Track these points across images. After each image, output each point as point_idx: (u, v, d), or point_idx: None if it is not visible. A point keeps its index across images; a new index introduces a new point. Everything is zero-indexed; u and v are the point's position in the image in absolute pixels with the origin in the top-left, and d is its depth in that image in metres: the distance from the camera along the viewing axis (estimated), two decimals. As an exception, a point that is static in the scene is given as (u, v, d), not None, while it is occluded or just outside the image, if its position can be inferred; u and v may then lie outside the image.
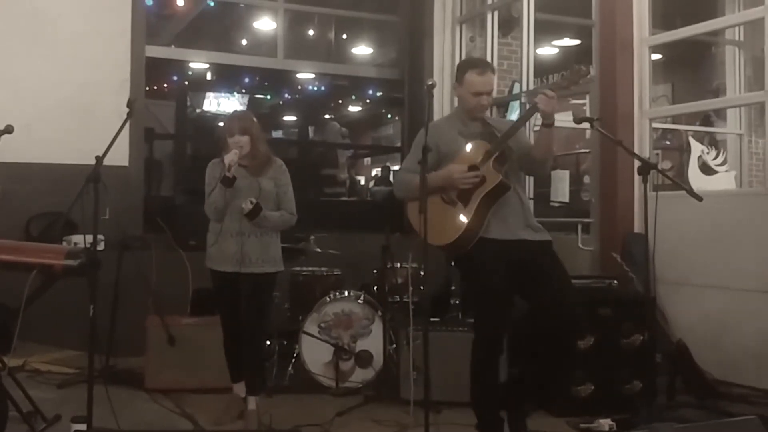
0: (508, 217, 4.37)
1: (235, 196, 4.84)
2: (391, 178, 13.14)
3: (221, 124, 5.13)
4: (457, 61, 8.87)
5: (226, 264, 4.90)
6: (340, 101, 13.69)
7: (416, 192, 4.05)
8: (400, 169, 4.91)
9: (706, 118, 9.42)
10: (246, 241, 4.88)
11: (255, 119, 5.12)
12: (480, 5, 8.94)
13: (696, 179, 7.61)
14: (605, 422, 4.75)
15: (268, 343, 5.98)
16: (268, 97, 13.02)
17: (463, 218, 4.30)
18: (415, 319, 5.61)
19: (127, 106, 4.44)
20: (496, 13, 8.56)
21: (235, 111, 7.25)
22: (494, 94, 4.69)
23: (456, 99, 7.09)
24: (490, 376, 4.37)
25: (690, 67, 10.31)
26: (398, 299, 6.12)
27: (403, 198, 4.54)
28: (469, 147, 4.43)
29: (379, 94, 12.23)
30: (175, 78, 10.96)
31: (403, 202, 4.53)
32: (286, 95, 12.94)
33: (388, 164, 14.30)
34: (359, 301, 6.01)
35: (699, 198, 4.48)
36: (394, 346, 5.94)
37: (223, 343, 5.14)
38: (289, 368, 5.96)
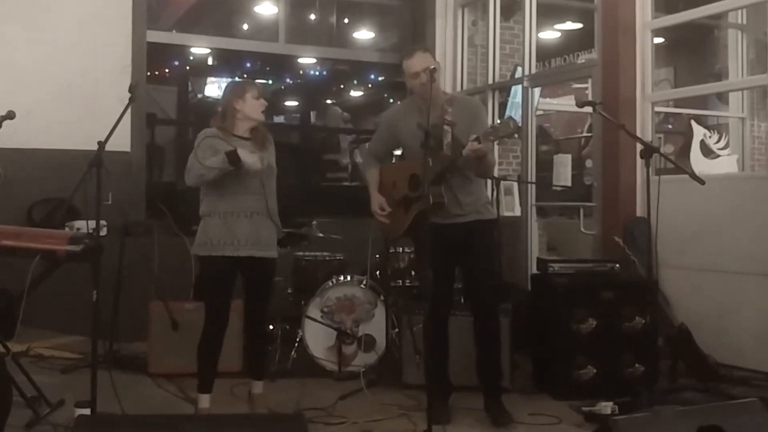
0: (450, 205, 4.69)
1: (245, 173, 4.48)
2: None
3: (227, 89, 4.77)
4: (460, 45, 8.88)
5: (235, 248, 4.55)
6: (341, 86, 13.63)
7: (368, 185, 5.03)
8: (367, 147, 5.38)
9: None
10: (260, 222, 4.60)
11: None
12: (482, -11, 8.92)
13: (698, 163, 7.61)
14: (607, 405, 4.75)
15: (270, 327, 5.99)
16: (270, 82, 12.95)
17: (402, 223, 4.84)
18: (416, 304, 5.63)
19: (129, 92, 4.42)
20: (498, -3, 8.54)
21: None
22: (438, 67, 4.84)
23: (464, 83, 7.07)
24: (436, 335, 4.79)
25: (692, 51, 10.28)
26: (400, 283, 6.13)
27: None
28: (418, 155, 4.58)
29: (381, 78, 12.18)
30: (176, 63, 10.93)
31: None
32: (288, 80, 12.89)
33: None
34: (362, 285, 6.02)
35: (701, 182, 4.47)
36: (397, 330, 5.95)
37: (202, 341, 4.65)
38: (292, 353, 5.97)
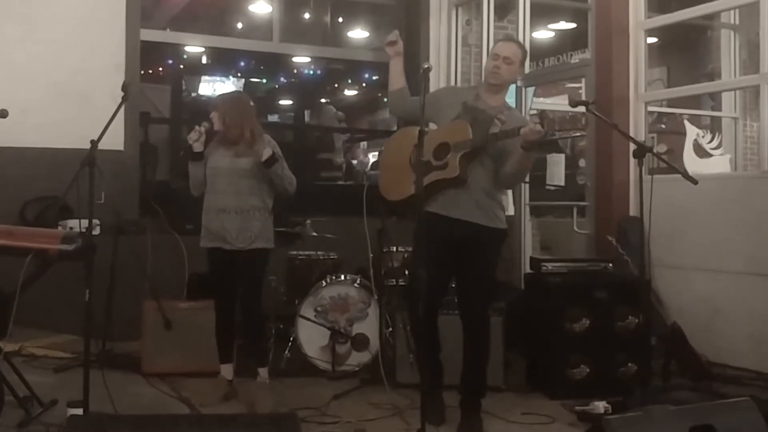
0: (459, 199, 4.53)
1: (215, 175, 5.04)
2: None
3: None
4: (453, 44, 8.88)
5: (221, 241, 5.02)
6: (336, 85, 13.63)
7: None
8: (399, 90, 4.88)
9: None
10: (226, 218, 5.01)
11: (241, 100, 5.25)
12: (476, -12, 8.92)
13: (691, 162, 7.62)
14: (600, 404, 4.77)
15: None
16: (264, 80, 12.95)
17: (410, 187, 4.36)
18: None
19: (122, 90, 4.41)
20: (491, -3, 8.54)
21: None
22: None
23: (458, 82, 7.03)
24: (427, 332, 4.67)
25: (685, 51, 10.30)
26: (394, 282, 6.13)
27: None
28: (452, 123, 4.54)
29: (375, 77, 12.17)
30: (170, 62, 10.90)
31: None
32: (282, 79, 12.88)
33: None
34: (355, 284, 6.01)
35: (694, 181, 4.47)
36: (390, 329, 5.95)
37: (216, 326, 5.24)
38: (286, 352, 5.97)
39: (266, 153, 4.87)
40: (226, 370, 5.22)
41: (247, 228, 5.01)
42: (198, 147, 4.99)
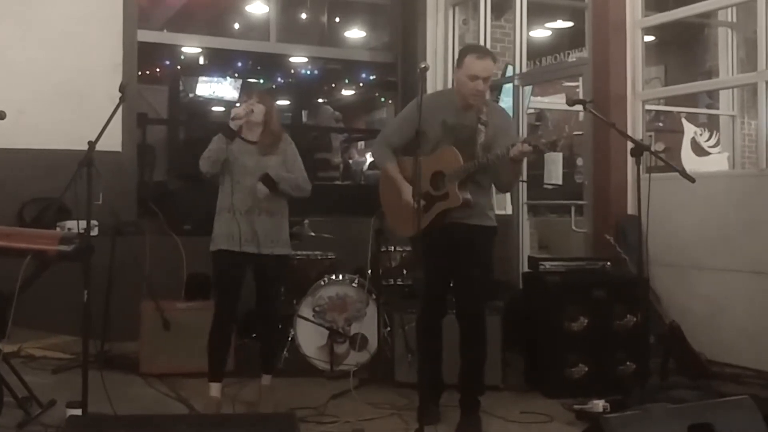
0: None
1: (243, 174, 4.76)
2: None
3: (214, 108, 5.06)
4: (451, 44, 8.87)
5: (234, 243, 4.75)
6: (333, 85, 13.63)
7: (385, 175, 4.81)
8: (380, 136, 4.95)
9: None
10: (256, 220, 4.76)
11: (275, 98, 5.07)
12: (473, -12, 8.93)
13: (689, 161, 7.62)
14: (599, 403, 4.77)
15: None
16: (261, 81, 12.95)
17: (420, 221, 4.37)
18: (409, 302, 5.63)
19: (120, 91, 4.40)
20: (489, -4, 8.55)
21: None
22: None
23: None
24: (429, 336, 4.75)
25: (683, 49, 10.30)
26: (392, 282, 6.13)
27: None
28: (442, 151, 4.56)
29: (372, 77, 12.19)
30: (167, 63, 10.91)
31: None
32: (279, 79, 12.89)
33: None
34: (353, 284, 6.02)
35: (692, 179, 4.48)
36: (389, 329, 5.95)
37: (210, 332, 4.88)
38: (284, 352, 5.97)
39: (262, 189, 4.72)
40: (216, 389, 4.87)
41: (277, 231, 4.84)
42: (236, 125, 4.66)
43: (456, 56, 8.10)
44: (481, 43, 8.51)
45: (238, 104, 4.82)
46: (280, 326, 5.52)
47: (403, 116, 4.87)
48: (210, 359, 4.87)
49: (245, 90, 5.00)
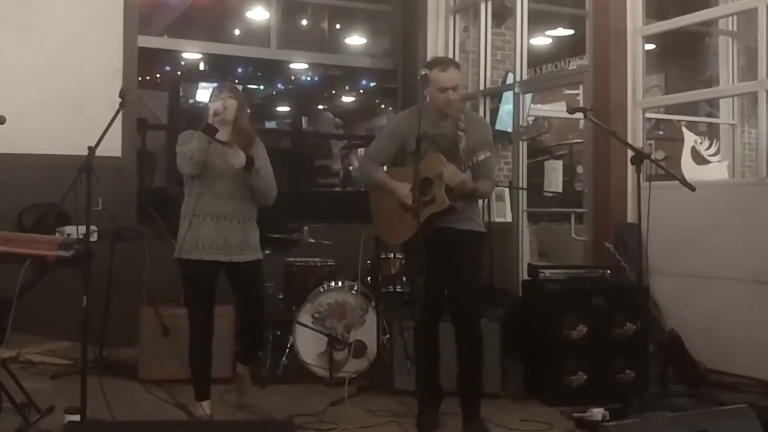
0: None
1: (214, 176, 4.56)
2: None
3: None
4: (451, 51, 8.89)
5: (204, 252, 4.59)
6: (333, 91, 13.65)
7: (375, 186, 4.89)
8: (365, 153, 5.05)
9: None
10: (227, 226, 4.60)
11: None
12: (473, -5, 8.94)
13: (689, 169, 7.62)
14: (598, 411, 4.76)
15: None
16: (261, 87, 12.98)
17: (408, 229, 4.59)
18: (407, 309, 5.63)
19: (120, 97, 4.41)
20: (489, 3, 8.55)
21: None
22: (462, 89, 4.92)
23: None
24: (428, 340, 4.79)
25: (683, 57, 10.31)
26: (391, 289, 6.13)
27: (367, 185, 5.14)
28: (428, 158, 4.60)
29: (372, 84, 12.19)
30: (167, 68, 10.91)
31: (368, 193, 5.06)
32: (279, 86, 12.90)
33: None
34: (353, 291, 6.01)
35: (692, 188, 4.49)
36: (388, 336, 5.95)
37: (191, 346, 4.72)
38: (283, 359, 5.96)
39: (238, 162, 4.45)
40: (206, 407, 4.71)
41: (248, 239, 4.68)
42: (218, 121, 4.50)
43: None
44: (482, 50, 8.54)
45: (209, 101, 4.63)
46: (265, 320, 5.34)
47: (387, 132, 5.09)
48: (194, 376, 4.74)
49: (218, 87, 4.74)
